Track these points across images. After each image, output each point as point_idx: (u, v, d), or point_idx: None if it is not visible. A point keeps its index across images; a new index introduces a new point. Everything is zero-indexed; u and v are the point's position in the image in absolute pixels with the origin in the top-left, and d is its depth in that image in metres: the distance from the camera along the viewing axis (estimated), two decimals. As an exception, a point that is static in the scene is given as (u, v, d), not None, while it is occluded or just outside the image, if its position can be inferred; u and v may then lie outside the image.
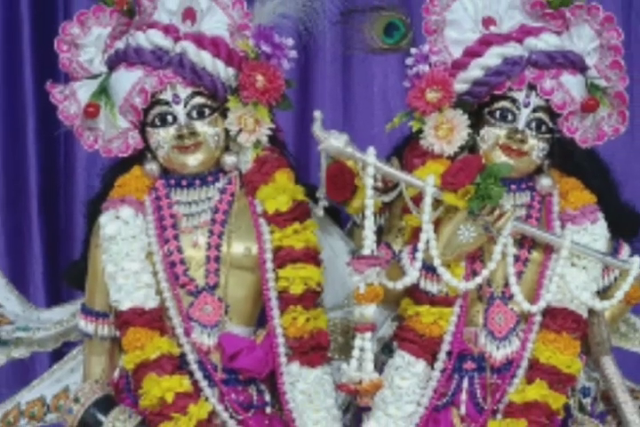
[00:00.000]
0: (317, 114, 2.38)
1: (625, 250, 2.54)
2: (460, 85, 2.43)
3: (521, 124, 2.43)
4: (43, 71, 3.27)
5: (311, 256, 2.41)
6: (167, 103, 2.41)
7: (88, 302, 2.48)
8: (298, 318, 2.38)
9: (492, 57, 2.41)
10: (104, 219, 2.43)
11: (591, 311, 2.46)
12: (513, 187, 2.48)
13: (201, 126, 2.41)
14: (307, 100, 3.41)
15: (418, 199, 2.37)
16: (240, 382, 2.42)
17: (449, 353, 2.42)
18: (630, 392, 2.54)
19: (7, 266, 3.30)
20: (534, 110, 2.43)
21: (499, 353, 2.44)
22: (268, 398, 2.44)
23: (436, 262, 2.36)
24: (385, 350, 2.50)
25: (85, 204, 2.58)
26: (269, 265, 2.41)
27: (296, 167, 2.51)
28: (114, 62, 2.43)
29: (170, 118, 2.41)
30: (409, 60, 2.45)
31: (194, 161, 2.42)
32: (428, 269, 2.38)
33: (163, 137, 2.41)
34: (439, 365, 2.41)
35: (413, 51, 2.45)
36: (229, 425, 2.38)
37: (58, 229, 3.48)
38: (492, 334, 2.44)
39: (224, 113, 2.43)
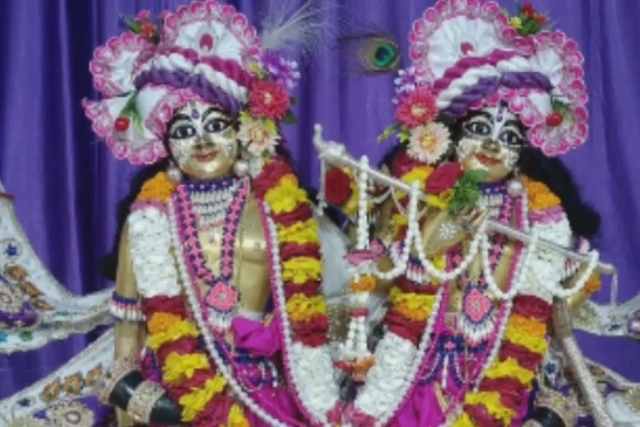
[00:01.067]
0: (317, 127, 2.38)
1: (585, 245, 2.54)
2: (441, 102, 2.42)
3: (494, 136, 2.42)
4: (79, 90, 3.26)
5: (312, 251, 2.41)
6: (187, 118, 2.41)
7: (118, 291, 2.48)
8: (300, 305, 2.38)
9: (470, 77, 2.41)
10: (132, 218, 2.43)
11: (555, 298, 2.47)
12: (487, 190, 2.47)
13: (216, 138, 2.41)
14: (308, 115, 3.39)
15: (405, 201, 2.37)
16: (250, 360, 2.41)
17: (432, 335, 2.42)
18: (589, 369, 2.54)
19: (48, 259, 3.27)
20: (506, 124, 2.43)
21: (475, 335, 2.44)
22: (274, 373, 2.43)
23: (421, 256, 2.36)
24: (376, 332, 2.49)
25: (116, 205, 2.57)
26: (276, 258, 2.41)
27: (299, 173, 2.51)
28: (141, 82, 2.44)
29: (189, 131, 2.41)
30: (397, 80, 2.45)
31: (210, 168, 2.42)
32: (414, 261, 2.38)
33: (183, 147, 2.42)
34: (423, 345, 2.41)
35: (401, 72, 2.45)
36: (241, 397, 2.38)
37: (92, 226, 3.46)
38: (469, 318, 2.44)
39: (237, 126, 2.43)
